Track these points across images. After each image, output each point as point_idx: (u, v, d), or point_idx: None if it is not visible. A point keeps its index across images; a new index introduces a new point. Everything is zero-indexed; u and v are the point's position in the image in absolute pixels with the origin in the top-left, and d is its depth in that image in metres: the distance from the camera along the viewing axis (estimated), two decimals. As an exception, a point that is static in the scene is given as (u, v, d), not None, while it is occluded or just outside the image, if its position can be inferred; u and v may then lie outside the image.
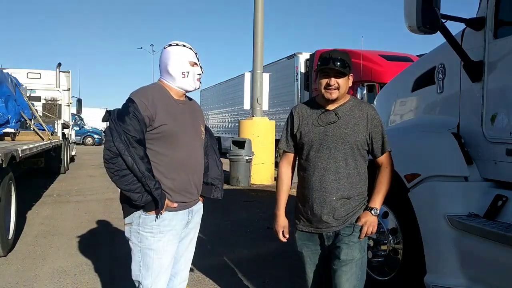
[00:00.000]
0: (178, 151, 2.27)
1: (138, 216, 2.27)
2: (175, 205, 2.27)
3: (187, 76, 2.28)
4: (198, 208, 2.50)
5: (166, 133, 2.23)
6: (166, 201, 2.23)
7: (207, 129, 2.57)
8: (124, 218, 2.34)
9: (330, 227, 2.30)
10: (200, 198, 2.52)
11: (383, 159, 2.37)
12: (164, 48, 2.34)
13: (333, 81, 2.23)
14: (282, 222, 2.43)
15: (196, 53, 2.33)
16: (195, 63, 2.31)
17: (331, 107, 2.31)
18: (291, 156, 2.47)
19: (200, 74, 2.33)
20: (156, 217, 2.25)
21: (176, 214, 2.31)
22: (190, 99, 2.49)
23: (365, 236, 2.32)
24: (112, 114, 2.19)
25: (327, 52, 2.25)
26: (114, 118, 2.15)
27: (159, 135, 2.22)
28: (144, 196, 2.15)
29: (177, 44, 2.30)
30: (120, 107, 2.24)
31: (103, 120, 2.27)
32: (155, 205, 2.18)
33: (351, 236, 2.29)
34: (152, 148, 2.23)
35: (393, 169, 2.40)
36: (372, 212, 2.31)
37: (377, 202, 2.33)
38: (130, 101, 2.20)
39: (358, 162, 2.30)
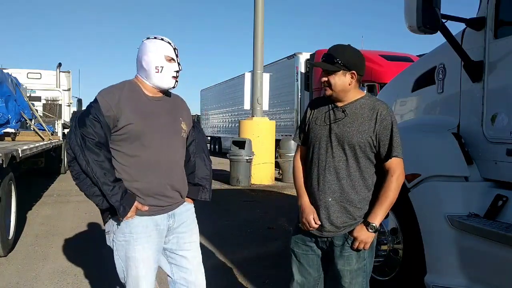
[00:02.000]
0: (146, 152, 2.12)
1: (112, 224, 2.19)
2: (146, 208, 2.13)
3: (161, 72, 2.12)
4: (184, 210, 2.32)
5: (132, 133, 2.10)
6: (136, 203, 2.10)
7: (195, 126, 2.42)
8: (104, 226, 2.26)
9: (323, 231, 2.18)
10: (189, 199, 2.37)
11: (390, 165, 2.14)
12: (142, 41, 2.20)
13: (323, 78, 2.16)
14: (309, 209, 2.22)
15: (175, 49, 2.17)
16: (172, 59, 2.14)
17: (340, 104, 2.19)
18: (302, 149, 2.38)
19: (177, 72, 2.16)
20: (118, 224, 2.15)
21: (151, 219, 2.18)
22: (170, 95, 2.32)
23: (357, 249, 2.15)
24: (75, 116, 2.14)
25: (330, 47, 2.18)
26: (76, 121, 2.10)
27: (125, 135, 2.10)
28: (105, 200, 2.05)
29: (155, 37, 2.16)
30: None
31: (70, 121, 2.23)
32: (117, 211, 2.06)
33: (344, 247, 2.16)
34: (120, 150, 2.12)
35: (403, 178, 2.17)
36: (369, 228, 2.11)
37: (378, 216, 2.11)
38: (94, 101, 2.11)
39: (361, 164, 2.15)
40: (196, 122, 2.47)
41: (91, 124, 2.04)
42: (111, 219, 2.19)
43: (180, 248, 2.31)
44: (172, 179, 2.21)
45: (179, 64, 2.18)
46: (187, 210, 2.35)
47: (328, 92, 2.17)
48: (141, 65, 2.18)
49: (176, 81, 2.18)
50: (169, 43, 2.16)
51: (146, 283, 2.21)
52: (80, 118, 2.08)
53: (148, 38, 2.19)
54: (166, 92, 2.28)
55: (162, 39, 2.17)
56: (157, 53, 2.13)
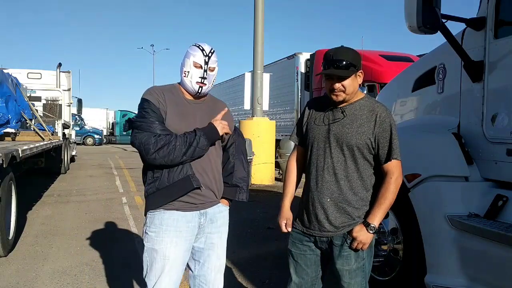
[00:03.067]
0: None
1: (147, 216, 2.29)
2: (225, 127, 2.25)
3: (187, 76, 2.24)
4: (217, 211, 2.36)
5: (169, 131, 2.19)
6: (215, 124, 2.22)
7: (236, 130, 2.52)
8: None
9: (323, 231, 2.19)
10: (225, 201, 2.43)
11: (388, 167, 2.14)
12: None
13: (336, 85, 2.10)
14: (285, 214, 2.34)
15: (208, 56, 2.24)
16: (201, 66, 2.23)
17: (340, 104, 2.19)
18: (299, 149, 2.39)
19: (201, 78, 2.23)
20: (151, 217, 2.23)
21: (184, 215, 2.23)
22: (210, 99, 2.42)
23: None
24: (132, 123, 2.20)
25: (329, 53, 2.12)
26: (138, 127, 2.17)
27: None
28: (197, 138, 2.15)
29: (195, 44, 2.27)
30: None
31: (125, 130, 2.29)
32: (213, 134, 2.18)
33: (343, 246, 2.16)
34: None
35: (401, 180, 2.17)
36: (369, 229, 2.11)
37: (377, 217, 2.12)
38: (143, 101, 2.21)
39: (359, 165, 2.15)
40: (236, 127, 2.56)
41: (152, 116, 2.14)
42: (148, 212, 2.27)
43: (207, 248, 2.36)
44: (205, 178, 2.26)
45: (205, 71, 2.24)
46: (220, 212, 2.39)
47: (342, 96, 2.13)
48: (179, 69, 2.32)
49: (201, 87, 2.25)
50: (203, 51, 2.24)
51: (169, 280, 2.24)
52: (139, 119, 2.16)
53: (192, 44, 2.29)
54: (205, 97, 2.36)
55: (198, 46, 2.25)
56: (188, 59, 2.24)
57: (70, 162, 14.09)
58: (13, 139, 7.65)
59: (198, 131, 2.18)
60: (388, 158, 2.14)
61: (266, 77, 11.54)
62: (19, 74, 11.43)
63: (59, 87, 12.74)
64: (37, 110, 9.87)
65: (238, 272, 4.30)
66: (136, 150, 2.20)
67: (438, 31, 2.91)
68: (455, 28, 3.06)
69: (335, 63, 2.09)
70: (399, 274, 3.32)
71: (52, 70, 13.06)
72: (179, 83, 2.34)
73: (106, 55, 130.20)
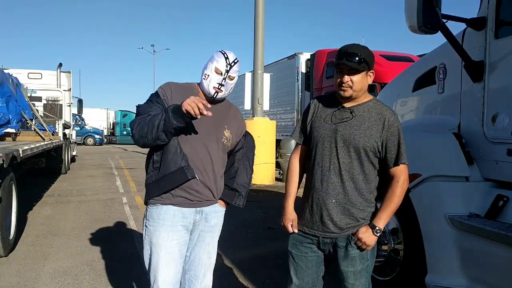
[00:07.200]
0: (184, 146, 2.26)
1: (147, 209, 2.37)
2: (209, 105, 2.13)
3: (206, 79, 2.30)
4: (213, 211, 2.41)
5: None
6: (189, 100, 2.09)
7: (246, 136, 2.57)
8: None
9: (326, 232, 2.17)
10: (222, 203, 2.47)
11: (396, 171, 2.13)
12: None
13: (345, 78, 2.09)
14: (290, 215, 2.31)
15: (230, 65, 2.29)
16: (221, 73, 2.28)
17: (348, 104, 2.17)
18: (302, 148, 2.36)
19: (219, 84, 2.28)
20: (150, 210, 2.30)
21: (180, 210, 2.29)
22: (225, 102, 2.45)
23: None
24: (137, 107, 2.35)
25: (345, 47, 2.12)
26: (138, 111, 2.29)
27: None
28: (164, 117, 2.14)
29: (221, 51, 2.33)
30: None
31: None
32: (179, 113, 2.10)
33: (348, 248, 2.16)
34: None
35: (407, 184, 2.17)
36: (374, 231, 2.12)
37: (382, 220, 2.13)
38: (154, 93, 2.35)
39: (365, 167, 2.14)
40: (248, 133, 2.60)
41: (150, 105, 2.26)
42: (148, 206, 2.34)
43: (199, 245, 2.43)
44: (205, 176, 2.32)
45: (224, 79, 2.29)
46: (216, 212, 2.44)
47: (349, 92, 2.12)
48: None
49: (216, 92, 2.31)
50: (227, 59, 2.30)
51: (166, 272, 2.29)
52: (141, 107, 2.30)
53: (219, 50, 2.34)
54: (221, 101, 2.42)
55: (224, 54, 2.31)
56: (211, 63, 2.31)
57: (71, 162, 14.10)
58: (14, 139, 7.66)
59: (168, 107, 2.19)
60: (396, 163, 2.13)
61: (267, 77, 11.54)
62: (20, 74, 11.42)
63: (60, 87, 12.73)
64: (37, 110, 9.87)
65: (238, 272, 4.30)
66: (137, 150, 2.22)
67: (439, 31, 2.91)
68: (455, 28, 3.06)
69: (348, 56, 2.08)
70: (399, 274, 3.32)
71: (53, 70, 13.05)
72: (198, 83, 2.40)
73: (106, 55, 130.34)
